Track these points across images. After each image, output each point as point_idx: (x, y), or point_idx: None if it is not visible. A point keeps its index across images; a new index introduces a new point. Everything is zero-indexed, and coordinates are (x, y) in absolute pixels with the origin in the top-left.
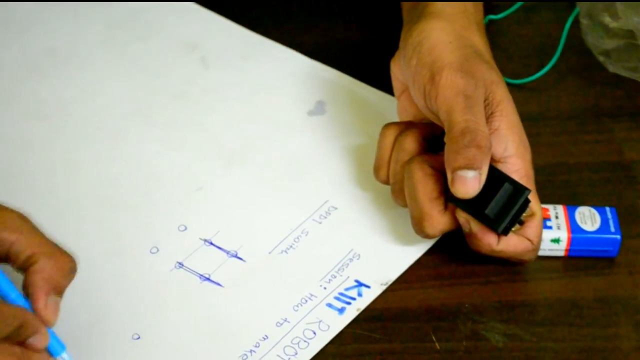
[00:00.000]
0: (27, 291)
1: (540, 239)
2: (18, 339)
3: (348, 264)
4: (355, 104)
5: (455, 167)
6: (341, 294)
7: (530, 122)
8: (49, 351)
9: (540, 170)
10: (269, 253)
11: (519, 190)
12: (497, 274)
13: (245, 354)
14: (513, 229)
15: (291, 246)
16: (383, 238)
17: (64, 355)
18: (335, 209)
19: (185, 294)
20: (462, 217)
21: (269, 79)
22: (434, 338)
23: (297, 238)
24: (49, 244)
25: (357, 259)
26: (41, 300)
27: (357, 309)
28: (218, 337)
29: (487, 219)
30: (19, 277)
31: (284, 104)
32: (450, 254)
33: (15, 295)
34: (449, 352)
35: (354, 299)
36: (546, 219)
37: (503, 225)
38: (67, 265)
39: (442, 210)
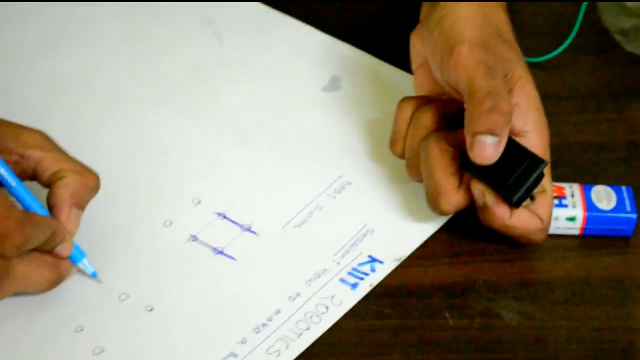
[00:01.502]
0: (51, 204)
1: (550, 219)
2: (47, 247)
3: (362, 239)
4: (370, 80)
5: (476, 131)
6: (354, 269)
7: (546, 100)
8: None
9: (556, 148)
10: (283, 227)
11: (535, 161)
12: (511, 252)
13: (258, 328)
14: (524, 203)
15: (305, 221)
16: (397, 213)
17: (85, 261)
18: (349, 183)
19: (199, 267)
20: (477, 188)
21: (284, 55)
22: (447, 315)
23: (311, 213)
24: (74, 162)
25: (371, 235)
26: (65, 211)
27: (370, 285)
28: (231, 310)
29: (502, 188)
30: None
31: (298, 80)
32: (464, 231)
33: (38, 208)
34: (462, 329)
35: (367, 274)
36: (562, 197)
37: (517, 195)
38: (91, 182)
39: (458, 186)
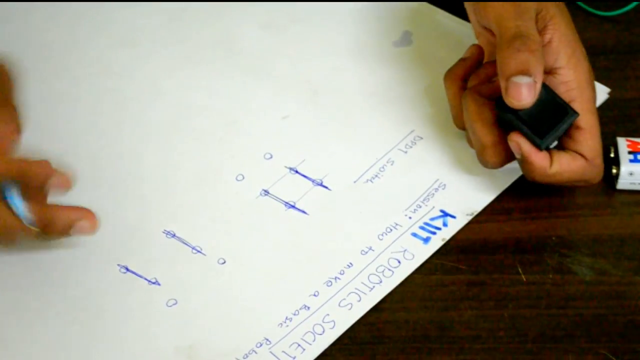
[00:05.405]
0: None
1: (596, 153)
2: None
3: (434, 194)
4: (441, 34)
5: (509, 73)
6: (426, 223)
7: (619, 54)
8: None
9: (629, 102)
10: (354, 182)
11: (566, 111)
12: (585, 208)
13: (330, 281)
14: (552, 146)
15: (376, 175)
16: (469, 168)
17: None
18: (421, 138)
19: (271, 220)
20: (512, 140)
21: (355, 9)
22: (520, 270)
23: (383, 167)
24: None
25: (443, 189)
26: None
27: (443, 239)
28: (303, 263)
29: (531, 134)
30: None
31: (369, 35)
32: (537, 186)
33: None
34: (535, 285)
35: (439, 228)
36: (638, 152)
37: (546, 143)
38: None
39: (500, 139)
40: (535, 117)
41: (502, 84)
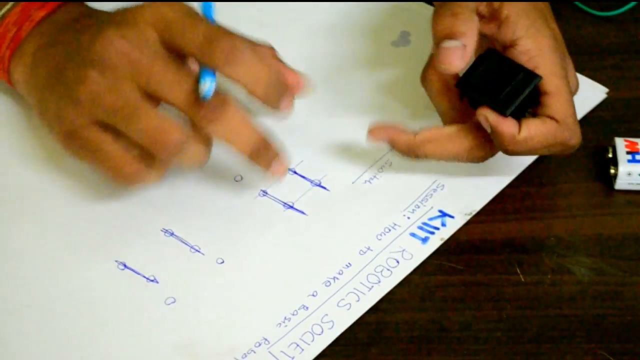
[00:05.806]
0: None
1: (567, 114)
2: None
3: (432, 194)
4: None
5: (436, 40)
6: (425, 223)
7: (617, 55)
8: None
9: (626, 102)
10: (353, 183)
11: (529, 76)
12: (583, 208)
13: (329, 281)
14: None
15: (375, 176)
16: (467, 169)
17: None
18: None
19: (269, 221)
20: (479, 114)
21: (353, 9)
22: (518, 270)
23: (381, 168)
24: None
25: (441, 190)
26: None
27: (441, 239)
28: (301, 264)
29: (495, 103)
30: None
31: (368, 35)
32: (535, 186)
33: None
34: (533, 285)
35: (437, 228)
36: (636, 152)
37: (510, 109)
38: None
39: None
40: (500, 89)
41: (434, 52)
